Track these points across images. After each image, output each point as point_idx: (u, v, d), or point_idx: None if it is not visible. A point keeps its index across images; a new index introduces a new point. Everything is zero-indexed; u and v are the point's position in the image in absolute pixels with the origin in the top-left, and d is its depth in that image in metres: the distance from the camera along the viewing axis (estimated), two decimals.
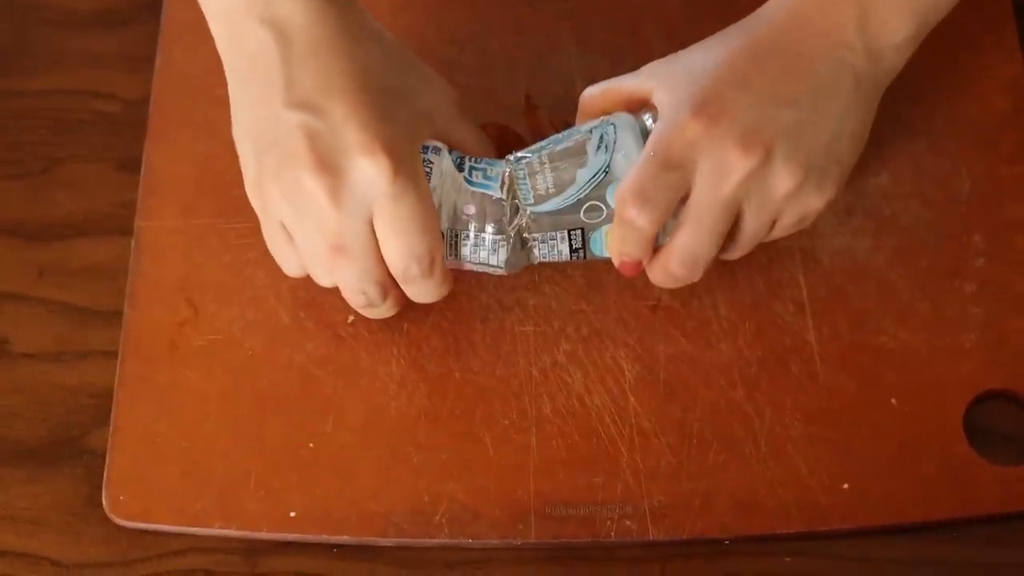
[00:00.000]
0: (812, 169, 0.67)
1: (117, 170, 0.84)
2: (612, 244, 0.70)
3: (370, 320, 0.76)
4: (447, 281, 0.71)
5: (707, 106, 0.66)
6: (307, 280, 0.75)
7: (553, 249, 0.71)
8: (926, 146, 0.80)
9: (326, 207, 0.65)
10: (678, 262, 0.69)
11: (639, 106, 0.71)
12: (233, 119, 0.70)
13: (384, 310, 0.73)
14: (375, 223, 0.67)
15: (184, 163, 0.82)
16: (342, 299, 0.74)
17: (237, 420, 0.75)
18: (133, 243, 0.80)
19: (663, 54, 0.73)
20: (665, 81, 0.70)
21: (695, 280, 0.71)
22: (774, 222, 0.70)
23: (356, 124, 0.65)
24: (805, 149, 0.67)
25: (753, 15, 0.71)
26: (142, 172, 0.82)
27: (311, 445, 0.74)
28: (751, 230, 0.69)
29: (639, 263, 0.70)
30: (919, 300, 0.76)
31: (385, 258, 0.68)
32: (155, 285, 0.79)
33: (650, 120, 0.70)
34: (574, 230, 0.70)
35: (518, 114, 0.83)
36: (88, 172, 0.83)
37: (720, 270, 0.77)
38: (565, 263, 0.75)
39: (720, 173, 0.66)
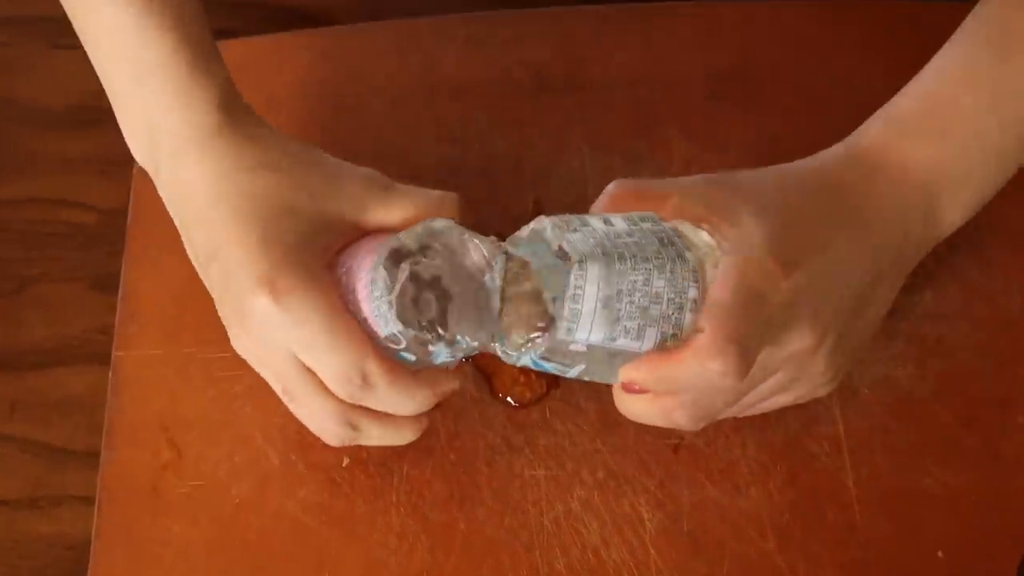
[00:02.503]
0: (847, 358, 0.63)
1: (93, 289, 0.78)
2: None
3: (367, 463, 0.71)
4: (421, 383, 0.63)
5: (790, 267, 0.58)
6: (297, 419, 0.69)
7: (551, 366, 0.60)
8: (973, 260, 0.73)
9: (257, 356, 0.63)
10: (689, 415, 0.61)
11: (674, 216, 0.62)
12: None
13: (391, 437, 0.67)
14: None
15: (165, 284, 0.76)
16: None
17: None
18: (111, 375, 0.74)
19: (684, 156, 0.66)
20: (741, 214, 0.59)
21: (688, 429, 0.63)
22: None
23: (242, 266, 0.61)
24: (850, 337, 0.60)
25: (821, 158, 0.64)
26: (120, 295, 0.76)
27: None
28: (757, 399, 0.64)
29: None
30: (967, 436, 0.70)
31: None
32: (134, 423, 0.73)
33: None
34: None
35: (526, 222, 0.76)
36: (62, 292, 0.78)
37: None
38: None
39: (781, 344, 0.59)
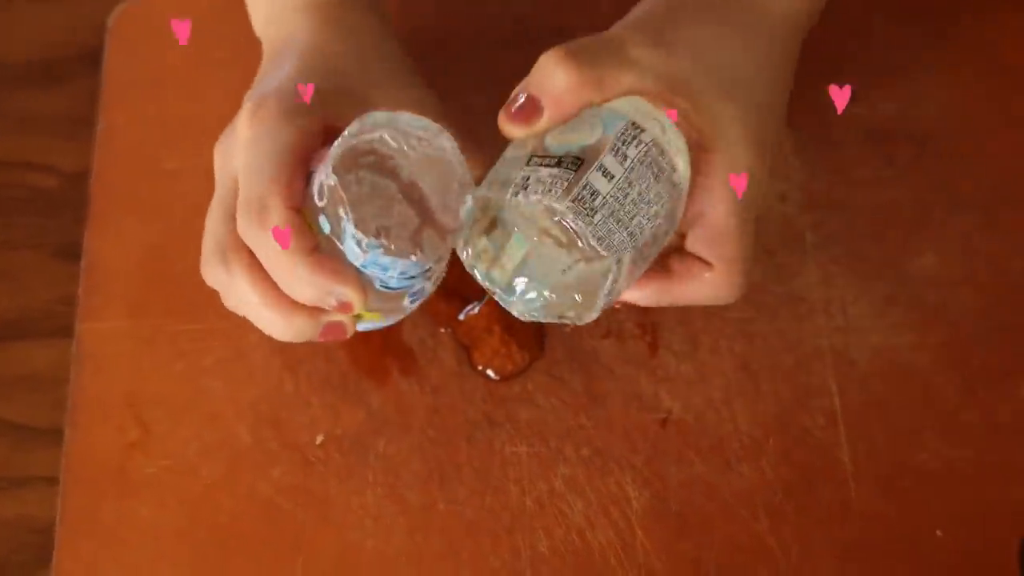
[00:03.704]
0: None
1: (56, 258, 0.74)
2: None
3: (341, 440, 0.68)
4: (317, 265, 0.54)
5: (762, 151, 0.57)
6: (270, 393, 0.67)
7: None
8: (977, 223, 0.70)
9: (217, 163, 0.60)
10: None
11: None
12: None
13: (256, 307, 0.58)
14: None
15: (130, 252, 0.72)
16: (308, 416, 0.68)
17: (194, 562, 0.67)
18: (74, 348, 0.70)
19: None
20: (734, 123, 0.57)
21: None
22: None
23: (260, 84, 0.59)
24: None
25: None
26: (83, 264, 0.72)
27: None
28: None
29: None
30: (968, 408, 0.67)
31: None
32: (99, 400, 0.70)
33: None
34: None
35: None
36: (24, 261, 0.74)
37: (740, 375, 0.67)
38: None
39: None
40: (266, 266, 0.56)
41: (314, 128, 0.57)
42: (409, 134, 0.54)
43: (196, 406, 0.69)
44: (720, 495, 0.66)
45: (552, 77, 0.55)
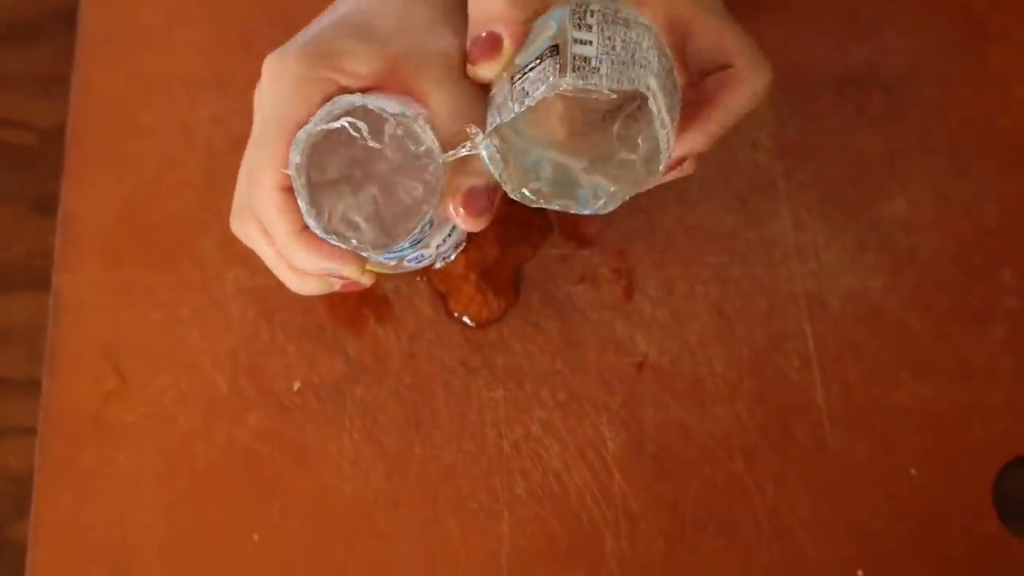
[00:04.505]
0: None
1: (33, 211, 0.74)
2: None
3: (319, 388, 0.68)
4: (306, 240, 0.55)
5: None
6: (247, 342, 0.67)
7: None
8: (948, 167, 0.70)
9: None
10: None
11: None
12: None
13: (273, 259, 0.59)
14: None
15: (106, 205, 0.72)
16: (285, 363, 0.68)
17: (172, 508, 0.66)
18: (51, 300, 0.70)
19: None
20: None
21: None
22: None
23: (298, 37, 0.57)
24: None
25: None
26: (59, 217, 0.72)
27: (256, 537, 0.66)
28: None
29: None
30: (941, 349, 0.67)
31: None
32: (77, 350, 0.70)
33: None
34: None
35: None
36: (1, 216, 0.74)
37: (715, 320, 0.67)
38: None
39: None
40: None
41: (326, 96, 0.56)
42: (381, 118, 0.54)
43: (173, 355, 0.69)
44: (696, 437, 0.66)
45: (493, 4, 0.55)
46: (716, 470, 0.65)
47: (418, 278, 0.69)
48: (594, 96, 0.51)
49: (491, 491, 0.66)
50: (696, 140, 0.58)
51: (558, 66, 0.51)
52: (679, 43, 0.57)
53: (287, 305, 0.69)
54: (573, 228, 0.70)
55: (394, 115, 0.54)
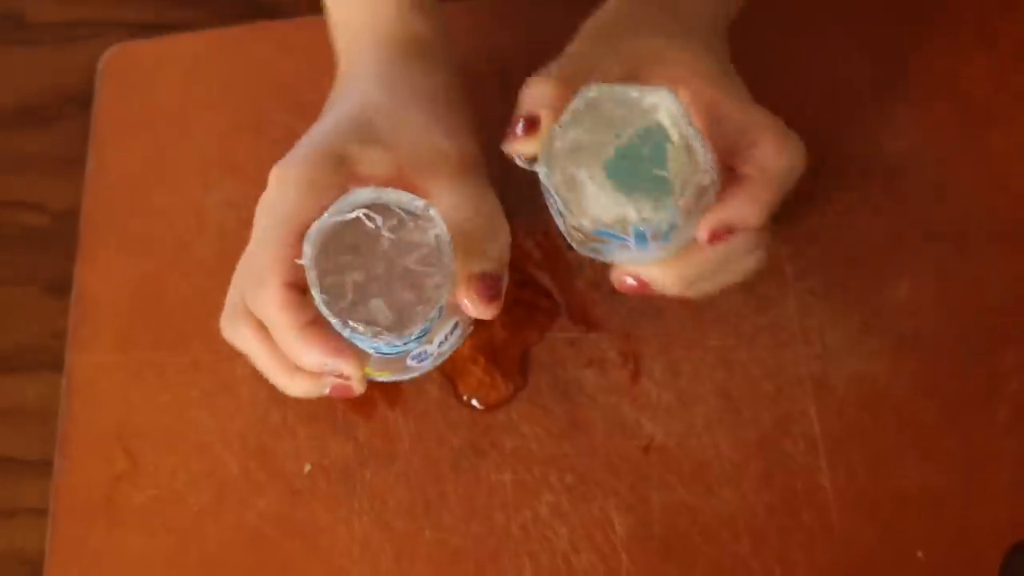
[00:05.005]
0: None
1: (46, 293, 0.75)
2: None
3: (329, 470, 0.69)
4: (311, 335, 0.56)
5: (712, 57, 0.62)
6: (257, 424, 0.68)
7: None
8: (950, 249, 0.71)
9: None
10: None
11: None
12: None
13: (265, 359, 0.60)
14: None
15: (119, 286, 0.74)
16: (295, 446, 0.69)
17: None
18: (64, 381, 0.71)
19: None
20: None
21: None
22: None
23: (305, 137, 0.61)
24: None
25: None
26: (72, 297, 0.73)
27: None
28: None
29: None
30: (946, 433, 0.68)
31: None
32: (88, 431, 0.71)
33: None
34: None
35: None
36: (14, 297, 0.75)
37: (721, 402, 0.68)
38: None
39: None
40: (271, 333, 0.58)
41: (332, 199, 0.57)
42: (393, 212, 0.56)
43: (183, 437, 0.70)
44: (703, 519, 0.67)
45: (541, 91, 0.57)
46: (723, 552, 0.66)
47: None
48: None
49: (500, 574, 0.66)
50: (741, 208, 0.58)
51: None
52: (706, 123, 0.58)
53: None
54: (581, 311, 0.71)
55: (407, 206, 0.55)
